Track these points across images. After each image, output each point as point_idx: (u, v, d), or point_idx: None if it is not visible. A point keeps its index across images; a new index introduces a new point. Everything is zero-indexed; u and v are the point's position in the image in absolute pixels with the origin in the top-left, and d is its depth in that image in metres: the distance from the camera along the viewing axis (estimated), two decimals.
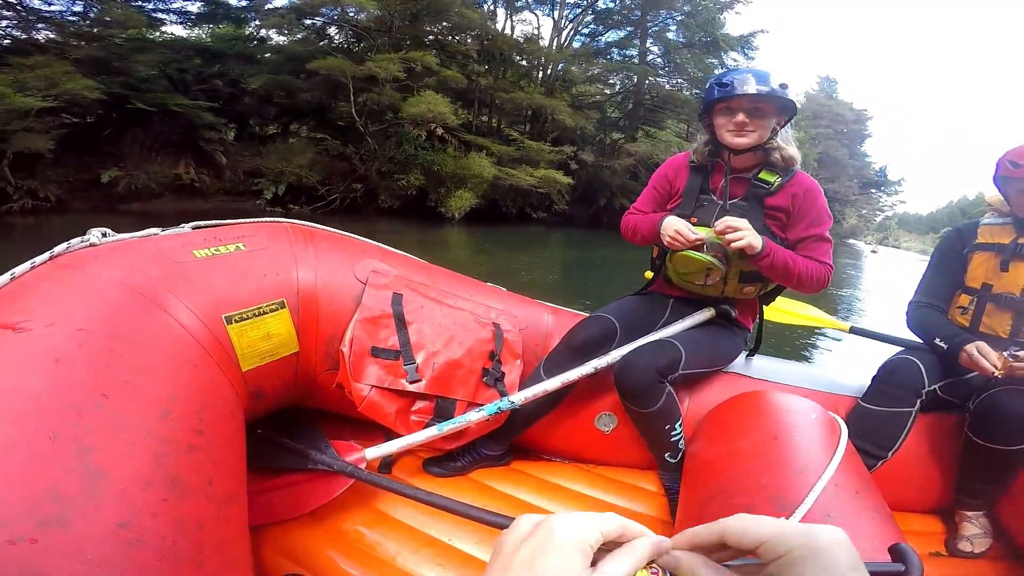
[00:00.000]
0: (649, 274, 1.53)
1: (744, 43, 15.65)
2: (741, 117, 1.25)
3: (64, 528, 0.58)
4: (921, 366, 1.35)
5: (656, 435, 1.29)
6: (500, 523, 0.74)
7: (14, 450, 0.62)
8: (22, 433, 0.64)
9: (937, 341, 1.36)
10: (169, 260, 0.99)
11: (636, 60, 15.51)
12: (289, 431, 1.18)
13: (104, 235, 1.00)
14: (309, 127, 11.95)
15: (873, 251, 36.51)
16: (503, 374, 1.33)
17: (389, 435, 1.25)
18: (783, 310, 2.00)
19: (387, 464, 1.32)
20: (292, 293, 1.15)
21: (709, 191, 1.39)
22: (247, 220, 1.25)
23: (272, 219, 1.29)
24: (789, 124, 1.34)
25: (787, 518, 0.77)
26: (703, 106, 1.36)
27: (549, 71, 14.36)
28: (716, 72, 15.57)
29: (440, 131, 11.48)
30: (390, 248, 1.42)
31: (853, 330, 1.96)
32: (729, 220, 1.20)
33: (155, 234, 1.07)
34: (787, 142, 1.33)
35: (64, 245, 0.93)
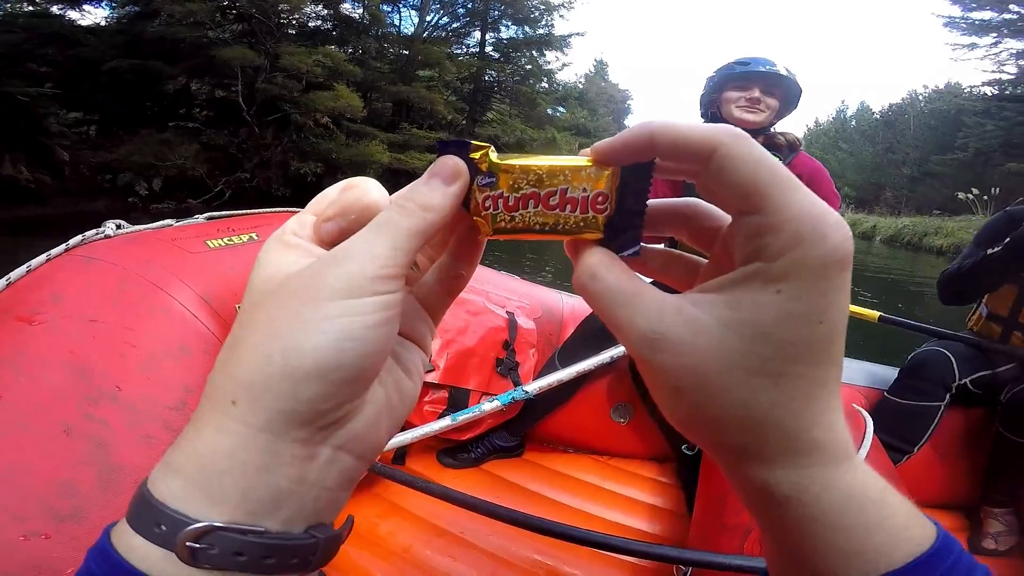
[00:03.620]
0: None
1: (563, 43, 17.85)
2: (756, 93, 1.24)
3: (80, 522, 0.58)
4: (952, 359, 1.30)
5: (673, 427, 1.27)
6: (512, 517, 0.73)
7: (31, 445, 0.62)
8: (38, 428, 0.64)
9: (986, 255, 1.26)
10: (182, 251, 0.99)
11: (476, 50, 17.77)
12: None
13: (118, 227, 1.00)
14: (179, 116, 10.30)
15: None
16: (517, 364, 1.32)
17: (403, 425, 1.24)
18: None
19: (401, 455, 1.32)
20: None
21: None
22: (261, 211, 1.24)
23: (286, 209, 1.28)
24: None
25: None
26: (710, 86, 1.33)
27: (416, 61, 15.59)
28: (540, 64, 17.90)
29: (326, 120, 11.44)
30: None
31: (882, 319, 1.88)
32: None
33: (168, 225, 1.07)
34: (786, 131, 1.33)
35: (79, 237, 0.94)
